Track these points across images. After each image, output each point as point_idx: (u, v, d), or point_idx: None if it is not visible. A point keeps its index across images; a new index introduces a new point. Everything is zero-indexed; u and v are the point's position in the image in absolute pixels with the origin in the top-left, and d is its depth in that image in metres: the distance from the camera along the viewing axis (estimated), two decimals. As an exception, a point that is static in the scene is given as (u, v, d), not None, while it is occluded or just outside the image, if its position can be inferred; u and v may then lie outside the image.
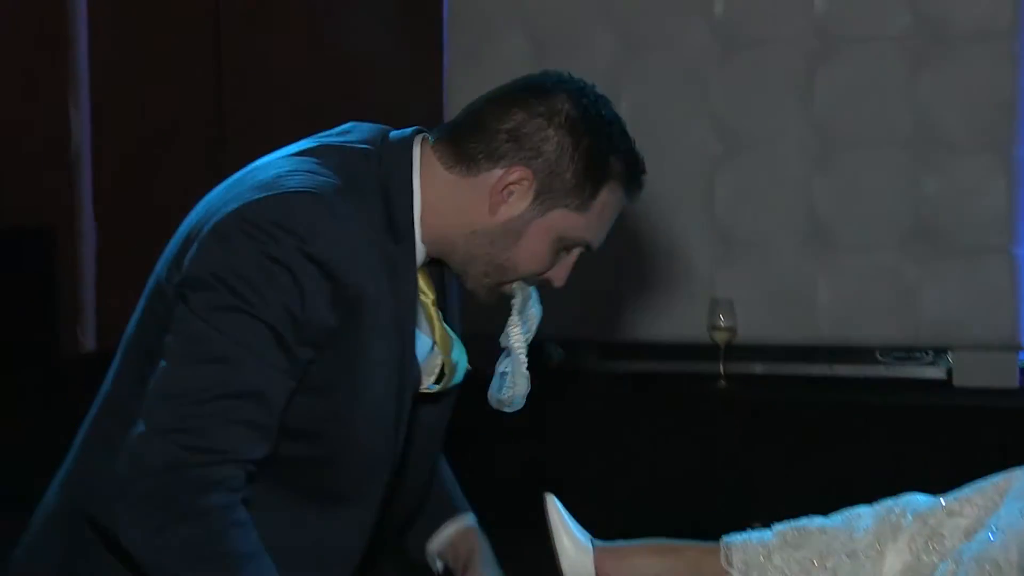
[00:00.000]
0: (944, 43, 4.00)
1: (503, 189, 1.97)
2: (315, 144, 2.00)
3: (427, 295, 2.06)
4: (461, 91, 4.24)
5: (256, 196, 1.87)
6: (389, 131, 2.04)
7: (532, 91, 2.00)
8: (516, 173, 1.97)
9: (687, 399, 4.08)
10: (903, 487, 2.35)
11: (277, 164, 1.95)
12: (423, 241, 2.00)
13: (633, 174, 2.02)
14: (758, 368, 4.26)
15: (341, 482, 1.96)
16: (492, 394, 2.12)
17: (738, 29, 4.14)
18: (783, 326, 4.12)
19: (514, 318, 2.11)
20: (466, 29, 4.30)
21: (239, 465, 1.81)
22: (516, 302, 2.10)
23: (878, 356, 4.18)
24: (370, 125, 2.05)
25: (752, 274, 4.16)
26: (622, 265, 4.24)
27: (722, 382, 4.04)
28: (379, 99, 4.73)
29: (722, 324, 4.02)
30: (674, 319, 4.20)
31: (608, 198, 2.01)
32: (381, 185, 1.96)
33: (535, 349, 4.38)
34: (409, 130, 2.04)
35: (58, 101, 5.87)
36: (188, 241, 1.91)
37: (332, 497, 1.96)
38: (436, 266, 2.08)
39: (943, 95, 4.01)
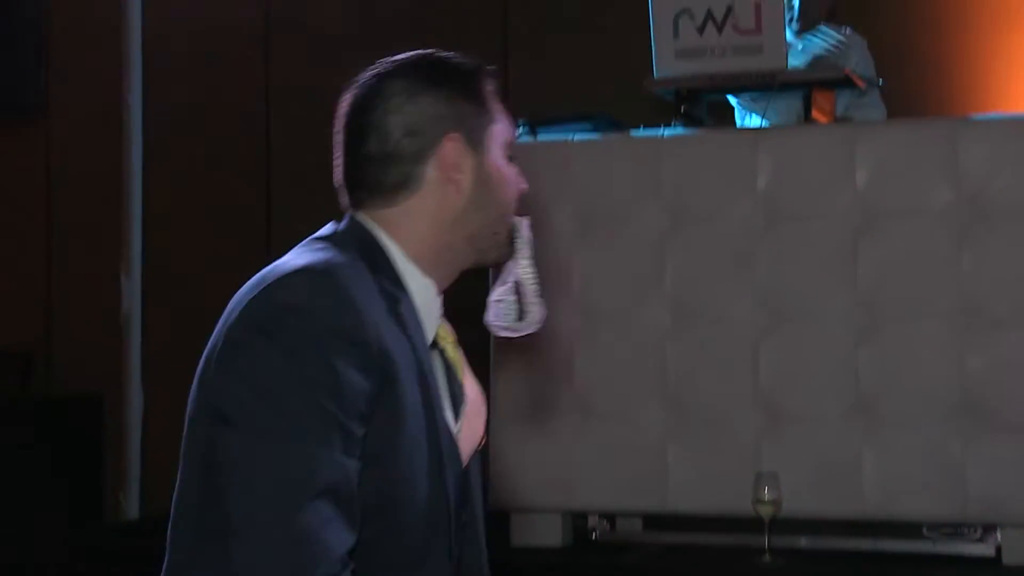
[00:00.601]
0: (986, 219, 4.02)
1: (452, 168, 2.01)
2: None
3: (446, 338, 2.07)
4: (507, 262, 4.29)
5: (254, 293, 1.88)
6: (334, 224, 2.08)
7: (375, 99, 2.03)
8: (447, 147, 2.00)
9: (732, 573, 4.03)
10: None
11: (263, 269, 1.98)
12: (430, 276, 2.02)
13: (469, 64, 2.07)
14: (803, 542, 4.21)
15: (410, 546, 1.92)
16: (494, 320, 2.09)
17: (781, 203, 4.19)
18: (829, 500, 4.09)
19: (524, 250, 2.10)
20: (513, 202, 4.35)
21: (347, 566, 1.79)
22: (518, 236, 2.10)
23: (925, 532, 4.13)
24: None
25: (797, 447, 4.14)
26: (666, 436, 4.23)
27: (767, 556, 3.99)
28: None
29: (767, 497, 4.00)
30: (719, 491, 4.17)
31: (492, 94, 2.07)
32: (360, 253, 1.98)
33: (581, 519, 4.35)
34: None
35: (110, 271, 5.97)
36: (207, 369, 1.88)
37: (405, 566, 1.92)
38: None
39: (986, 270, 4.02)
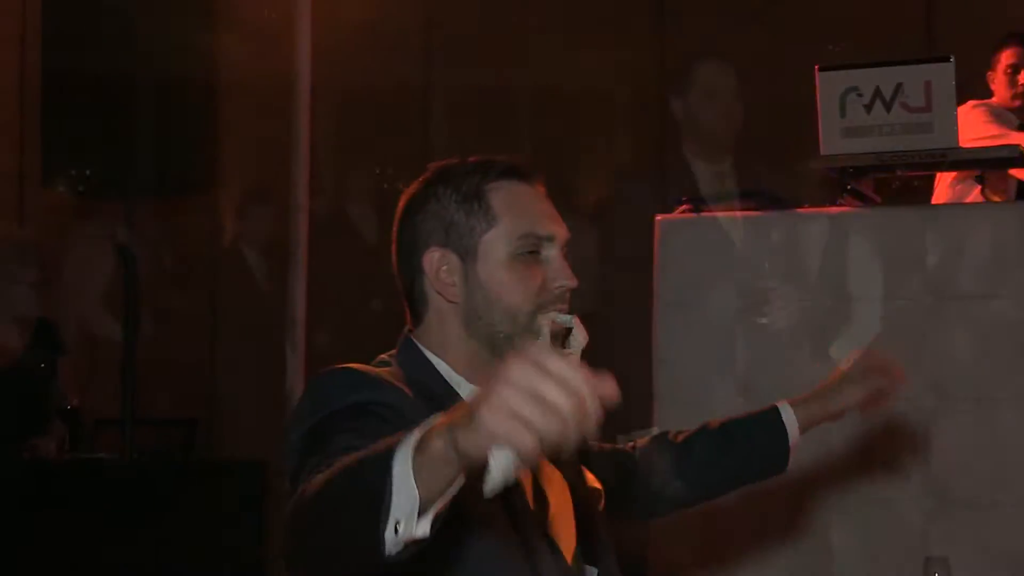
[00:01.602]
0: None
1: (438, 281, 2.06)
2: None
3: None
4: (671, 339, 4.25)
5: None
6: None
7: (399, 216, 2.13)
8: (427, 261, 2.06)
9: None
10: None
11: None
12: (476, 384, 2.02)
13: (477, 169, 2.06)
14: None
15: None
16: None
17: (952, 282, 4.08)
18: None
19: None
20: (676, 278, 4.31)
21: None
22: (541, 336, 2.06)
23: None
24: None
25: (968, 533, 4.01)
26: (831, 516, 4.13)
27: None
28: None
29: (937, 583, 3.87)
30: (885, 574, 4.06)
31: (504, 195, 2.04)
32: (413, 369, 2.06)
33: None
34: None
35: (275, 345, 6.05)
36: None
37: None
38: None
39: None
